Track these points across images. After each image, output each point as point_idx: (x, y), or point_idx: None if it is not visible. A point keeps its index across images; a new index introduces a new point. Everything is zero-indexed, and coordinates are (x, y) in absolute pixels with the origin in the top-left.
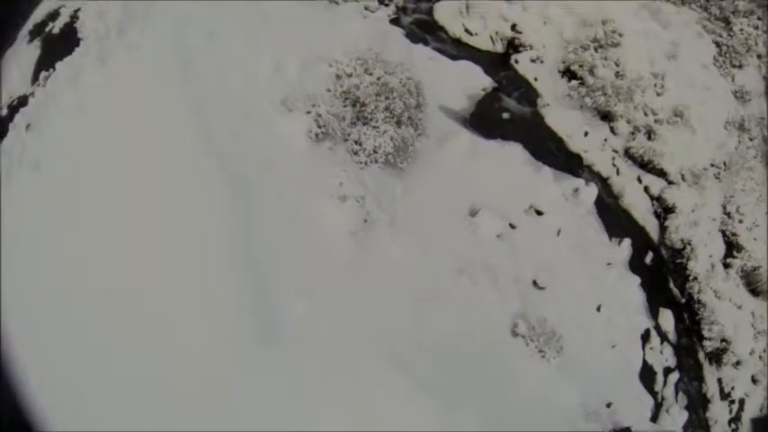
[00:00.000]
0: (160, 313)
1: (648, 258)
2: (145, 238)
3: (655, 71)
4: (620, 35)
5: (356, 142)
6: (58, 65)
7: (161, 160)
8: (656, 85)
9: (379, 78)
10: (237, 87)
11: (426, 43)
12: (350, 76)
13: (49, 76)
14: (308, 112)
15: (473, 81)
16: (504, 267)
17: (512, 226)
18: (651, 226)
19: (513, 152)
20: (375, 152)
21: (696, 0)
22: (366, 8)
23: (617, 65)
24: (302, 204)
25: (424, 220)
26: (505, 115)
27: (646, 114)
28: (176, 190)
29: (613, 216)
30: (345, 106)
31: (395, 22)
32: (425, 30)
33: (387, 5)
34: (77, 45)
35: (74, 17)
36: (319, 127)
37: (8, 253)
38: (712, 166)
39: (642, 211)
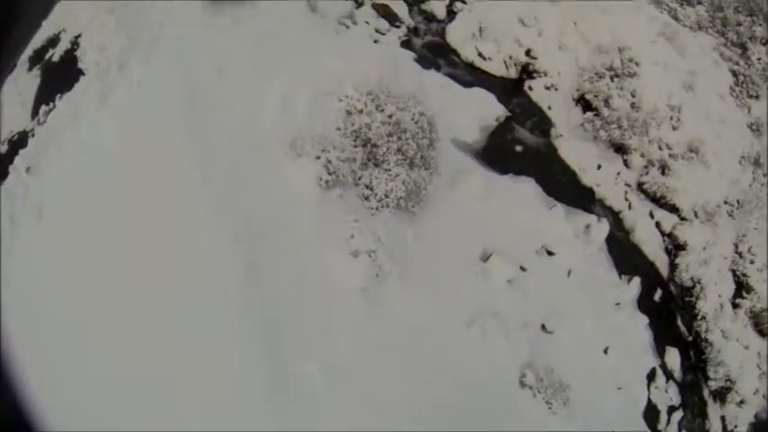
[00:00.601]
0: (165, 370)
1: (657, 295)
2: (150, 291)
3: (671, 103)
4: (637, 64)
5: (367, 186)
6: (59, 102)
7: (165, 210)
8: (671, 118)
9: (390, 116)
10: (245, 126)
11: (438, 68)
12: (360, 112)
13: (49, 111)
14: (318, 158)
15: (486, 110)
16: (513, 314)
17: (522, 269)
18: (661, 262)
19: (526, 189)
20: (387, 197)
21: (713, 25)
22: (377, 30)
23: (633, 96)
24: (314, 260)
25: (436, 269)
26: (518, 148)
27: (660, 148)
28: (183, 242)
29: (624, 251)
30: (356, 146)
31: (406, 44)
32: (437, 53)
33: (398, 27)
34: (78, 77)
35: (74, 44)
36: (329, 174)
37: (11, 302)
38: (726, 203)
39: (653, 247)
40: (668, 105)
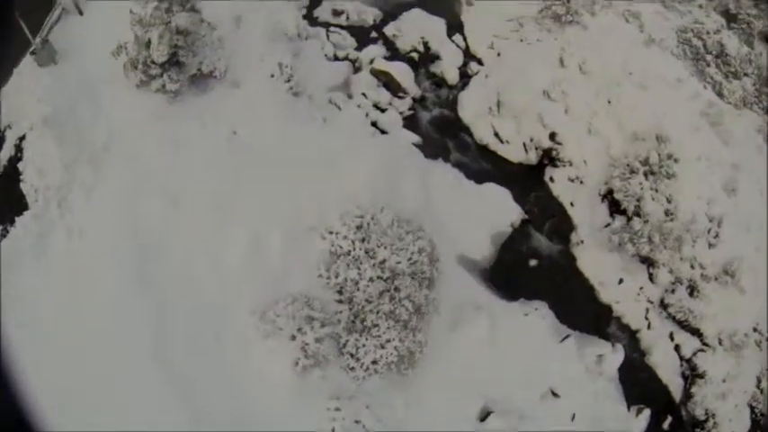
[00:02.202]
0: None
1: (667, 422)
2: None
3: (711, 213)
4: (676, 161)
5: (353, 356)
6: None
7: (117, 404)
8: (709, 232)
9: (383, 262)
10: (205, 284)
11: (448, 154)
12: (348, 254)
13: None
14: (293, 338)
15: (499, 214)
16: None
17: (522, 417)
18: (675, 387)
19: (536, 322)
20: (375, 363)
21: (759, 101)
22: (376, 105)
23: (669, 201)
24: None
25: None
26: (533, 262)
27: (692, 267)
28: None
29: (636, 374)
30: (341, 302)
31: (411, 120)
32: (447, 132)
33: (401, 98)
34: (19, 200)
35: (18, 148)
36: (307, 358)
37: None
38: (755, 330)
39: (668, 371)
40: (707, 215)
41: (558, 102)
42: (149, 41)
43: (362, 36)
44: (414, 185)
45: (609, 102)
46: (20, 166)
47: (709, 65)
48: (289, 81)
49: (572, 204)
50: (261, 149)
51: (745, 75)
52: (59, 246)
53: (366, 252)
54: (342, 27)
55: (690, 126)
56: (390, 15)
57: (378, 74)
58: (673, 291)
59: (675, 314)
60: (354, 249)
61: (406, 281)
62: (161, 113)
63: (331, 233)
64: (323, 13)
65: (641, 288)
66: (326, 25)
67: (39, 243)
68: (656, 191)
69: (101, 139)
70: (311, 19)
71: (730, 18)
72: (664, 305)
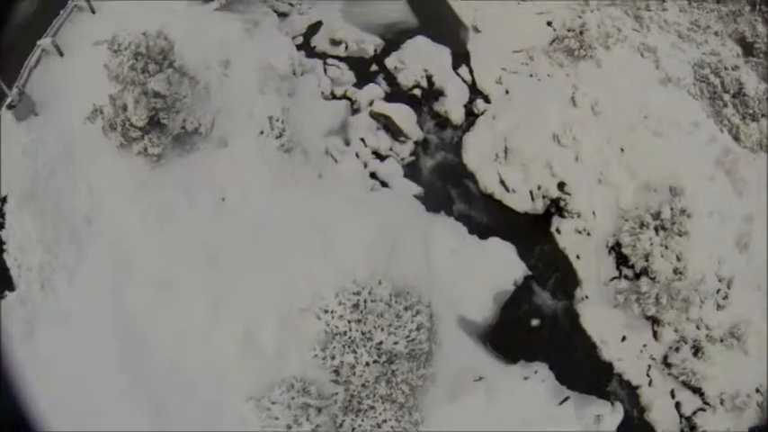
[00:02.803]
0: None
1: None
2: None
3: (721, 274)
4: (689, 216)
5: None
6: None
7: None
8: (718, 292)
9: (380, 344)
10: (199, 379)
11: (451, 206)
12: (344, 334)
13: None
14: (289, 427)
15: (503, 272)
16: None
17: None
18: None
19: (536, 385)
20: None
21: None
22: (375, 153)
23: (678, 259)
24: None
25: None
26: (534, 322)
27: (698, 328)
28: None
29: (635, 431)
30: (337, 383)
31: (412, 168)
32: (450, 180)
33: (402, 143)
34: (4, 273)
35: (1, 212)
36: None
37: None
38: (757, 392)
39: (668, 427)
40: (717, 275)
41: (568, 148)
42: (126, 105)
43: (362, 69)
44: (414, 247)
45: (622, 150)
46: (2, 235)
47: (726, 105)
48: (280, 137)
49: (578, 257)
50: (251, 220)
51: (763, 116)
52: (47, 334)
53: (362, 334)
54: (340, 58)
55: (704, 176)
56: (392, 44)
57: (378, 116)
58: (677, 349)
59: (678, 375)
60: (350, 330)
61: (403, 364)
62: (144, 181)
63: (326, 312)
64: (321, 42)
65: (644, 345)
66: (324, 56)
67: (26, 330)
68: (666, 248)
69: (82, 211)
70: (308, 48)
71: (747, 47)
72: (667, 363)
